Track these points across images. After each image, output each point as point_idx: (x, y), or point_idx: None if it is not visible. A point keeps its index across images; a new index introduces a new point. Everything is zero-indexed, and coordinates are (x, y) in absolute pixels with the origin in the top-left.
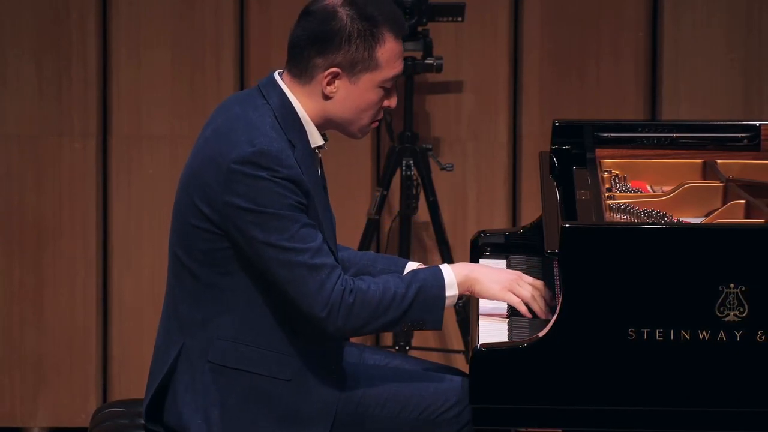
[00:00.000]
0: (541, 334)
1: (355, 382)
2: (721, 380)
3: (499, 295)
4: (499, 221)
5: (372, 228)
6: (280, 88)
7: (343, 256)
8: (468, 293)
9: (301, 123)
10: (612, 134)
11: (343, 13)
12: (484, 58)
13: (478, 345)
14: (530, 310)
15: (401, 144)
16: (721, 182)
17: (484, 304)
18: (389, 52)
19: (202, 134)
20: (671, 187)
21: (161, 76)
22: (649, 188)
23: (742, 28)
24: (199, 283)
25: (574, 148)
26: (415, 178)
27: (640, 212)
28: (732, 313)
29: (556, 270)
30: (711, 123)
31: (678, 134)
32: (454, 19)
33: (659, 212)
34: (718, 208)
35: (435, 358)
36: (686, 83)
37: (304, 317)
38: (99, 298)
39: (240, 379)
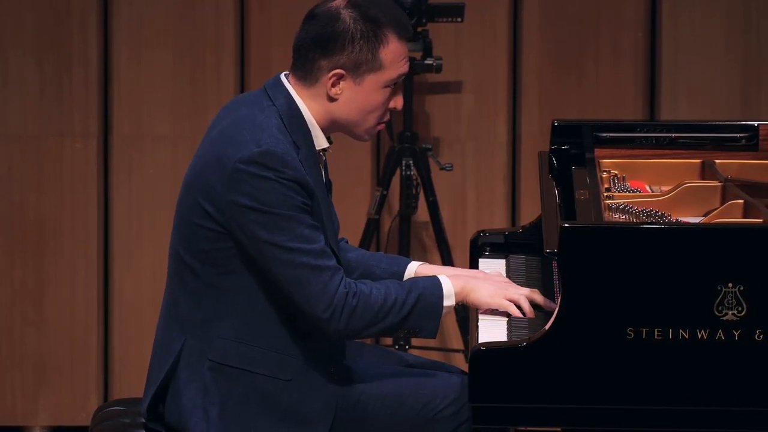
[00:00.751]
0: (541, 333)
1: (355, 380)
2: (719, 379)
3: (492, 303)
4: (498, 221)
5: (372, 228)
6: (287, 90)
7: (351, 257)
8: (463, 302)
9: (307, 125)
10: (611, 134)
11: (347, 15)
12: (484, 58)
13: (478, 344)
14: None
15: (401, 144)
16: (719, 182)
17: None
18: (393, 53)
19: (208, 135)
20: (670, 187)
21: (162, 76)
22: (647, 188)
23: (740, 29)
24: (200, 282)
25: (573, 148)
26: (414, 177)
27: (639, 212)
28: (730, 312)
29: (555, 269)
30: (709, 123)
31: (676, 134)
32: (454, 19)
33: (658, 212)
34: (717, 208)
35: (434, 357)
36: (685, 83)
37: (306, 318)
38: (100, 298)
39: (240, 378)
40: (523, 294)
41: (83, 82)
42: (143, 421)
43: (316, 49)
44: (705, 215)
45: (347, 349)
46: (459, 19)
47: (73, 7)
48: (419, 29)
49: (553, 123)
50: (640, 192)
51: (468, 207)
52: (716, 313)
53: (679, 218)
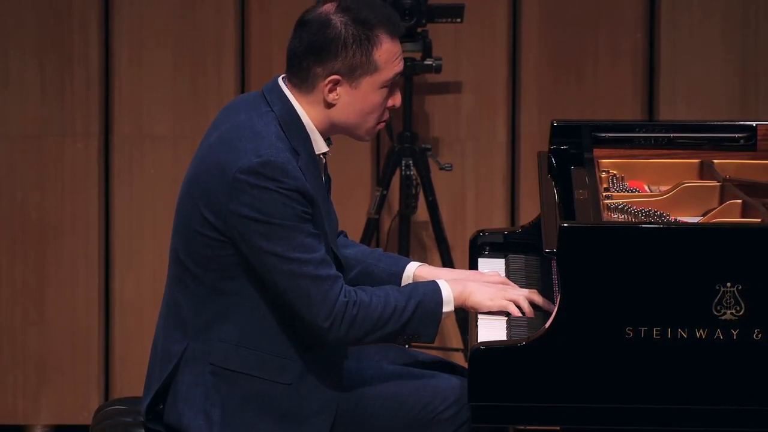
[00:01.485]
0: (540, 332)
1: (355, 381)
2: (718, 378)
3: (492, 306)
4: (497, 221)
5: (372, 227)
6: (285, 95)
7: (350, 254)
8: (462, 306)
9: (306, 130)
10: (610, 134)
11: (337, 20)
12: (483, 58)
13: (477, 343)
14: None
15: (401, 144)
16: (717, 182)
17: None
18: (387, 53)
19: (206, 139)
20: (668, 187)
21: (163, 76)
22: (646, 188)
23: (738, 29)
24: (202, 287)
25: (572, 148)
26: (414, 177)
27: (638, 212)
28: (729, 311)
29: (554, 269)
30: (708, 123)
31: (675, 134)
32: (453, 20)
33: (657, 212)
34: (715, 208)
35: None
36: (683, 84)
37: (306, 326)
38: (101, 297)
39: (241, 382)
40: (522, 294)
41: (84, 82)
42: (143, 419)
43: (310, 57)
44: (703, 215)
45: (348, 349)
46: (458, 20)
47: (74, 7)
48: (419, 30)
49: (552, 123)
50: (638, 192)
51: (467, 207)
52: (715, 312)
53: (678, 218)
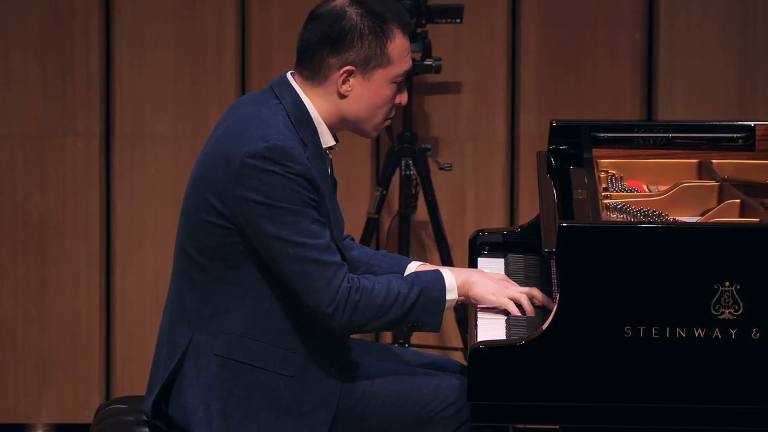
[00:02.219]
0: (539, 332)
1: (357, 379)
2: (716, 377)
3: (493, 300)
4: (497, 220)
5: (372, 227)
6: (293, 88)
7: (355, 255)
8: (464, 297)
9: (313, 123)
10: (608, 134)
11: (352, 11)
12: (482, 59)
13: (477, 342)
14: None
15: (400, 144)
16: (716, 182)
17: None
18: (399, 48)
19: (214, 134)
20: (667, 187)
21: (163, 76)
22: (645, 188)
23: (736, 30)
24: (208, 278)
25: (571, 148)
26: (414, 177)
27: (637, 211)
28: (727, 311)
29: (553, 269)
30: (706, 123)
31: (674, 134)
32: (453, 20)
33: (655, 211)
34: (714, 208)
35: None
36: (682, 84)
37: (309, 313)
38: (102, 296)
39: (244, 373)
40: (523, 292)
41: (85, 82)
42: (145, 418)
43: (325, 47)
44: (702, 215)
45: (350, 348)
46: (458, 20)
47: (75, 8)
48: (418, 30)
49: (551, 123)
50: (637, 192)
51: (467, 206)
52: (713, 311)
53: (677, 218)
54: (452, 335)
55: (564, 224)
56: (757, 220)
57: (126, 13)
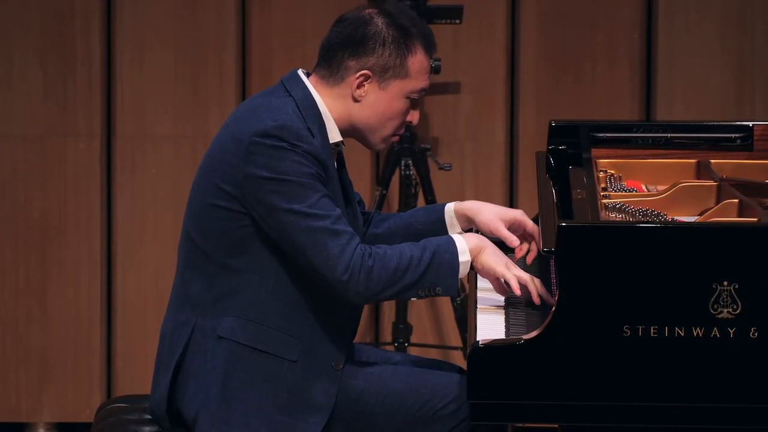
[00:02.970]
0: (538, 330)
1: (356, 378)
2: (715, 376)
3: (498, 270)
4: None
5: None
6: (303, 83)
7: (387, 225)
8: (474, 261)
9: (322, 117)
10: (607, 134)
11: (379, 20)
12: (482, 59)
13: (476, 341)
14: (525, 303)
15: (400, 144)
16: (714, 182)
17: (481, 296)
18: (419, 64)
19: (224, 124)
20: (666, 187)
21: (164, 77)
22: (644, 187)
23: (734, 30)
24: (211, 263)
25: (570, 148)
26: (414, 177)
27: (635, 211)
28: (725, 310)
29: (552, 268)
30: (704, 123)
31: (672, 134)
32: (452, 21)
33: (654, 211)
34: (712, 207)
35: (433, 354)
36: (680, 84)
37: (326, 284)
38: (103, 295)
39: (246, 355)
40: (527, 278)
41: (86, 82)
42: (147, 417)
43: (346, 49)
44: (700, 214)
45: (352, 349)
46: (457, 21)
47: (76, 8)
48: None
49: (550, 123)
50: (636, 191)
51: None
52: (711, 311)
53: (675, 217)
54: (452, 334)
55: (563, 224)
56: (756, 219)
57: (127, 13)
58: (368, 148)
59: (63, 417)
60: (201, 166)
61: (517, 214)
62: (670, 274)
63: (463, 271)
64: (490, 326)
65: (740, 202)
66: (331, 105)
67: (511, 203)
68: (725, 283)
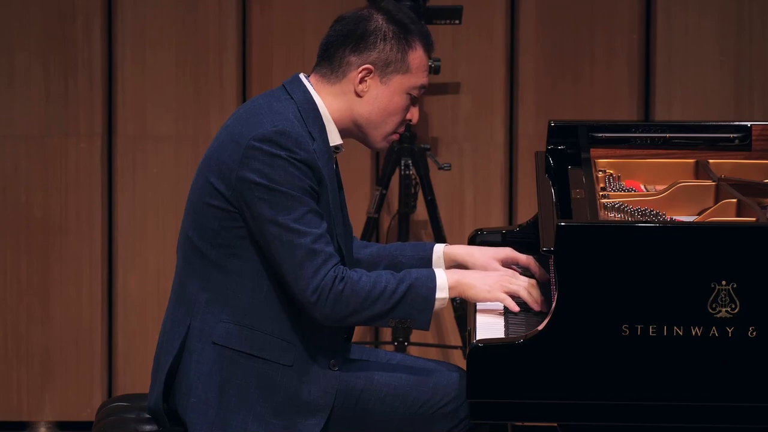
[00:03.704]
0: (537, 330)
1: (356, 377)
2: (713, 375)
3: (490, 297)
4: (495, 219)
5: (371, 226)
6: (305, 86)
7: (373, 251)
8: (461, 297)
9: (322, 120)
10: (606, 134)
11: (379, 16)
12: (481, 60)
13: (475, 341)
14: (523, 304)
15: (400, 144)
16: (713, 181)
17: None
18: (419, 60)
19: (224, 124)
20: (664, 186)
21: (165, 77)
22: (642, 187)
23: (733, 31)
24: (207, 263)
25: (569, 148)
26: (413, 177)
27: (634, 211)
28: (724, 309)
29: (551, 267)
30: (703, 123)
31: (671, 135)
32: (452, 22)
33: (653, 211)
34: (710, 207)
35: (433, 353)
36: (679, 85)
37: (295, 300)
38: (104, 295)
39: (242, 362)
40: (522, 285)
41: (88, 83)
42: (147, 416)
43: (348, 45)
44: (699, 214)
45: (350, 348)
46: (457, 22)
47: (77, 9)
48: None
49: (549, 123)
50: (635, 191)
51: (466, 206)
52: (710, 310)
53: (674, 217)
54: (451, 334)
55: (562, 223)
56: (754, 219)
57: (128, 13)
58: (369, 147)
59: (64, 416)
60: (200, 165)
61: (508, 252)
62: (668, 274)
63: (439, 306)
64: (490, 325)
65: (738, 202)
66: (332, 104)
67: (511, 203)
68: (724, 282)
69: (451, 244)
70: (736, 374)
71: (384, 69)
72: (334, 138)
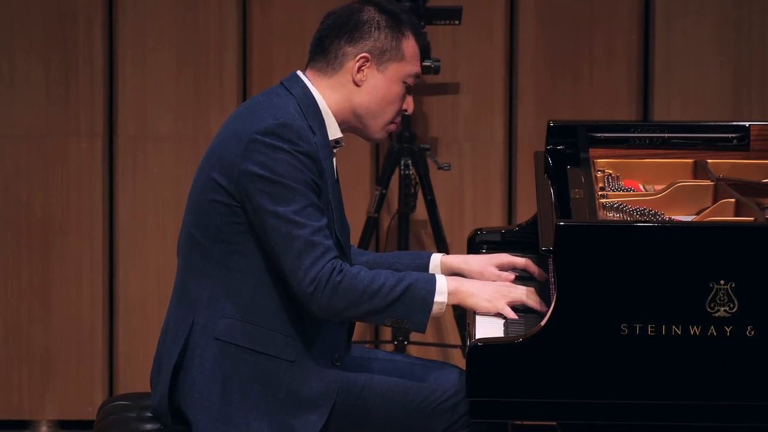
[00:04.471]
0: (537, 329)
1: (357, 374)
2: (712, 375)
3: (491, 308)
4: (495, 219)
5: (371, 226)
6: (302, 81)
7: (369, 259)
8: (460, 305)
9: (322, 115)
10: (605, 134)
11: (370, 7)
12: (481, 60)
13: (475, 340)
14: (524, 309)
15: (400, 144)
16: (711, 181)
17: None
18: (412, 48)
19: (225, 122)
20: (663, 186)
21: (166, 77)
22: (641, 187)
23: (732, 31)
24: (209, 260)
25: (569, 148)
26: (413, 177)
27: (633, 210)
28: (722, 308)
29: (551, 267)
30: (702, 123)
31: (669, 134)
32: (452, 22)
33: (651, 210)
34: (709, 207)
35: (433, 352)
36: (677, 85)
37: (292, 291)
38: (105, 295)
39: (245, 358)
40: (521, 294)
41: (89, 83)
42: (148, 414)
43: (342, 36)
44: (697, 214)
45: (351, 347)
46: (456, 22)
47: (78, 9)
48: None
49: (548, 123)
50: (633, 191)
51: (465, 205)
52: (708, 309)
53: (672, 217)
54: (451, 333)
55: (561, 223)
56: (752, 219)
57: (129, 14)
58: (367, 138)
59: (65, 415)
60: (201, 163)
61: (504, 257)
62: (667, 273)
63: (437, 310)
64: (489, 324)
65: (737, 202)
66: (331, 97)
67: (510, 203)
68: (722, 281)
69: (450, 243)
70: (735, 373)
71: (380, 57)
72: (334, 131)
